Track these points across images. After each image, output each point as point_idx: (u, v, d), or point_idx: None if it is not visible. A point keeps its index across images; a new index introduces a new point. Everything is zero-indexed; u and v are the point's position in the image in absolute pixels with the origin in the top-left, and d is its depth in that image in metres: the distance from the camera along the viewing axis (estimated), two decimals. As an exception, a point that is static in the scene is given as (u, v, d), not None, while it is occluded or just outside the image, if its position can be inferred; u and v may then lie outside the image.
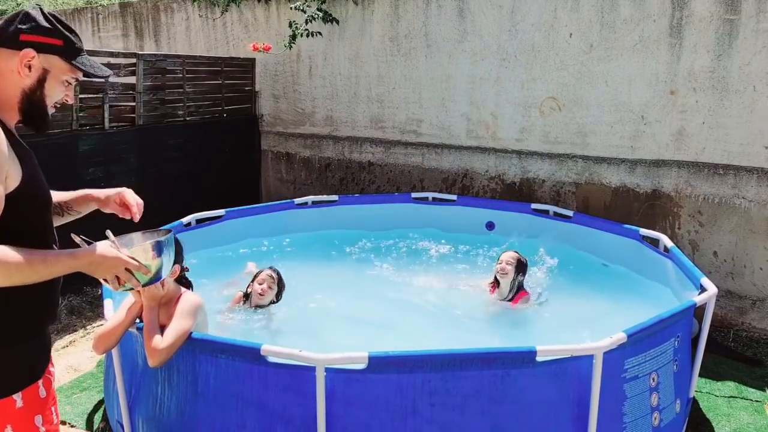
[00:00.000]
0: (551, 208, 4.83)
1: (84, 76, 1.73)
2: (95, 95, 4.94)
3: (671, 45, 4.41)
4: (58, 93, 1.70)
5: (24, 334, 1.61)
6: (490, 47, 5.22)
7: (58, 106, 1.73)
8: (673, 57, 4.42)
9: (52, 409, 1.68)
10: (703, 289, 3.06)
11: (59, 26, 1.65)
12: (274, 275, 3.70)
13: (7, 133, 1.56)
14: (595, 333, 3.01)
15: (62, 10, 9.13)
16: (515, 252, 3.91)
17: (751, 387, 3.54)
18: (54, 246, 1.71)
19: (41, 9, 1.66)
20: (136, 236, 2.00)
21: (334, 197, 5.28)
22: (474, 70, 5.34)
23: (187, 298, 2.56)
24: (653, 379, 2.63)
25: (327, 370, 2.26)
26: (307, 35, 5.76)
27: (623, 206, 4.80)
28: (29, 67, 1.61)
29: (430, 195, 5.36)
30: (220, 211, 4.72)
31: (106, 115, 5.01)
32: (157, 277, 1.86)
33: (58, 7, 9.88)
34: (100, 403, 3.27)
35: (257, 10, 6.57)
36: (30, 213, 1.60)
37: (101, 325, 4.08)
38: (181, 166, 5.76)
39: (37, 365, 1.65)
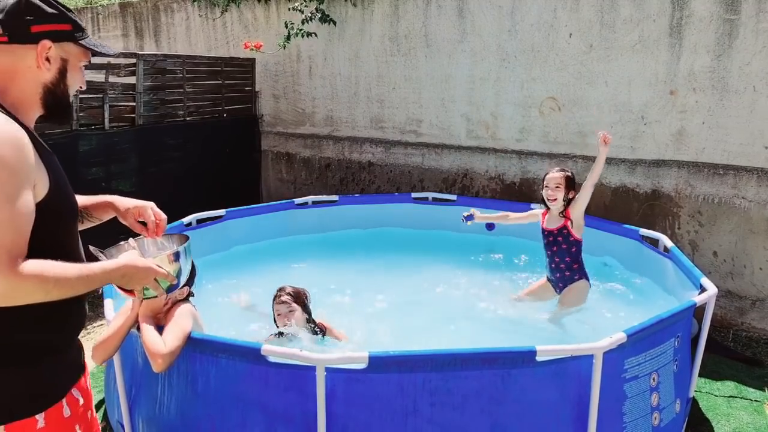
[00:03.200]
0: (551, 208, 4.83)
1: (92, 55, 1.63)
2: (95, 95, 4.94)
3: (671, 45, 4.42)
4: (77, 80, 1.61)
5: (43, 354, 1.53)
6: (489, 47, 5.22)
7: (76, 94, 1.67)
8: (673, 57, 4.42)
9: (76, 427, 1.59)
10: (703, 289, 3.06)
11: (62, 8, 1.53)
12: (285, 297, 3.20)
13: (30, 137, 1.45)
14: (595, 333, 3.01)
15: (62, 10, 9.13)
16: (560, 170, 3.72)
17: (751, 387, 3.54)
18: (83, 258, 1.63)
19: None
20: (149, 242, 2.00)
21: (334, 197, 5.29)
22: (474, 70, 5.34)
23: (182, 305, 2.59)
24: (653, 379, 2.64)
25: (327, 369, 2.26)
26: (303, 36, 5.77)
27: (623, 206, 4.80)
28: (48, 60, 1.50)
29: (430, 195, 5.36)
30: (221, 211, 4.72)
31: (106, 115, 5.01)
32: (177, 284, 1.87)
33: (58, 7, 9.87)
34: (101, 403, 3.27)
35: (257, 10, 6.58)
36: (58, 224, 1.52)
37: (102, 325, 4.09)
38: (181, 166, 5.76)
39: (60, 382, 1.57)
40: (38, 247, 1.41)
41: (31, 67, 1.48)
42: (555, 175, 3.71)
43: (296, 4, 5.81)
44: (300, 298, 3.23)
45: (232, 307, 3.85)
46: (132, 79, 5.29)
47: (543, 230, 3.80)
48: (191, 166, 5.85)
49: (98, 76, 5.07)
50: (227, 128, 6.34)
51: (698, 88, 4.36)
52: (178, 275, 1.86)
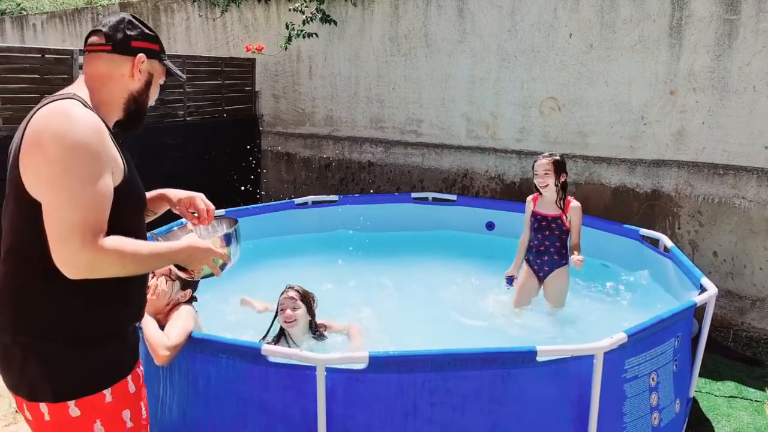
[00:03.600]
0: (551, 208, 4.83)
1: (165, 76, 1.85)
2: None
3: (671, 45, 4.42)
4: (155, 95, 1.82)
5: (111, 336, 1.68)
6: (489, 47, 5.22)
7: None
8: (673, 57, 4.42)
9: (141, 404, 1.75)
10: (703, 289, 3.06)
11: (154, 32, 1.78)
12: (292, 293, 3.16)
13: (109, 132, 1.62)
14: (596, 333, 3.01)
15: (62, 10, 9.13)
16: (548, 156, 3.67)
17: (751, 387, 3.54)
18: None
19: (134, 16, 1.76)
20: (201, 226, 2.14)
21: (334, 197, 5.28)
22: (474, 70, 5.34)
23: (183, 306, 2.60)
24: (653, 379, 2.63)
25: (327, 369, 2.26)
26: (304, 36, 5.77)
27: (623, 206, 4.80)
28: (139, 71, 1.71)
29: (430, 195, 5.36)
30: (220, 211, 4.70)
31: (106, 115, 5.01)
32: (231, 264, 1.99)
33: (58, 8, 9.88)
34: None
35: (257, 10, 6.58)
36: (128, 213, 1.66)
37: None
38: (181, 166, 5.76)
39: (125, 362, 1.71)
40: (111, 233, 1.55)
41: (124, 75, 1.69)
42: (543, 161, 3.66)
43: (297, 5, 5.81)
44: (307, 298, 3.21)
45: (232, 307, 3.85)
46: (132, 79, 5.28)
47: (535, 214, 3.74)
48: (191, 166, 5.84)
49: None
50: (227, 128, 6.34)
51: (698, 88, 4.36)
52: (231, 255, 1.98)
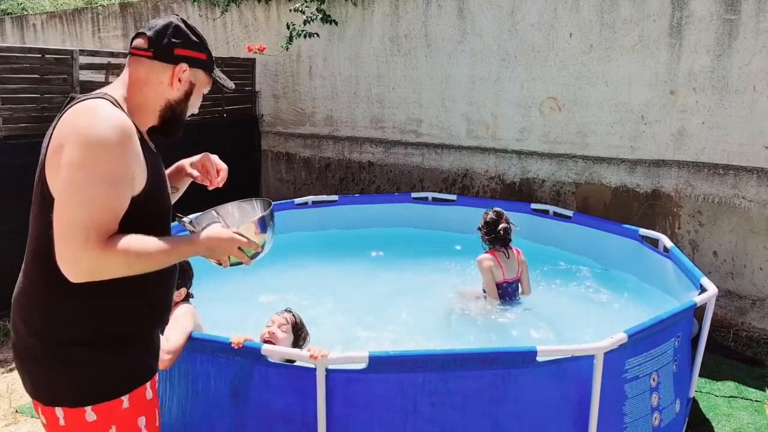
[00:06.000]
0: (551, 208, 4.83)
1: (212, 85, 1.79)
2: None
3: (671, 45, 4.42)
4: (196, 105, 1.77)
5: (134, 339, 1.64)
6: (490, 47, 5.22)
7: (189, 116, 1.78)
8: (673, 57, 4.42)
9: (156, 411, 1.71)
10: (703, 289, 3.06)
11: (203, 40, 1.71)
12: (289, 318, 2.79)
13: (138, 135, 1.57)
14: (596, 333, 3.01)
15: (62, 10, 9.13)
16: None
17: (751, 387, 3.54)
18: None
19: (184, 21, 1.69)
20: (232, 206, 2.03)
21: (334, 197, 5.28)
22: (474, 70, 5.34)
23: (182, 305, 2.59)
24: (653, 379, 2.63)
25: (327, 370, 2.26)
26: (305, 36, 5.77)
27: (623, 206, 4.80)
28: (179, 80, 1.66)
29: (430, 195, 5.36)
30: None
31: (106, 115, 5.00)
32: (264, 250, 1.85)
33: (58, 8, 9.88)
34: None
35: (257, 10, 6.58)
36: (148, 220, 1.59)
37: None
38: (181, 166, 5.75)
39: (147, 367, 1.68)
40: None
41: (162, 83, 1.65)
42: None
43: (297, 5, 5.80)
44: (299, 331, 2.82)
45: (232, 308, 3.85)
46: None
47: (504, 283, 3.81)
48: (191, 166, 5.83)
49: (98, 76, 5.07)
50: (227, 128, 6.34)
51: (698, 88, 4.36)
52: (265, 242, 1.84)
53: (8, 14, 10.33)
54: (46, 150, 1.51)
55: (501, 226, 3.83)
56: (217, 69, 1.80)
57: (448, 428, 2.32)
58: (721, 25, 4.21)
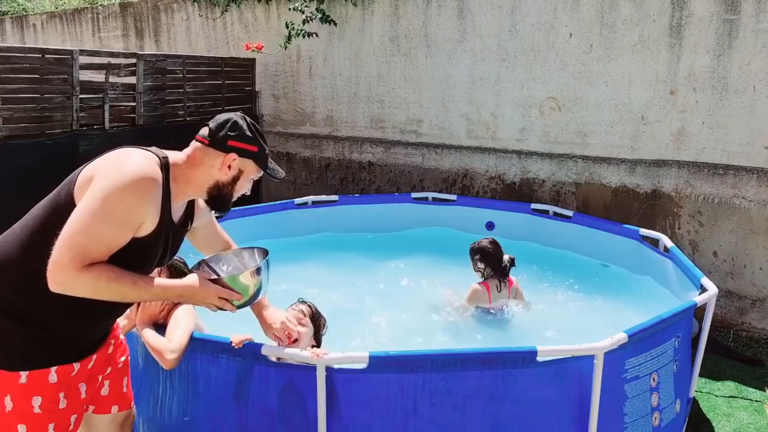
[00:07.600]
0: (551, 208, 4.84)
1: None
2: (95, 95, 4.94)
3: (671, 45, 4.42)
4: (244, 188, 1.97)
5: (47, 330, 1.79)
6: (490, 47, 5.22)
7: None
8: (673, 57, 4.42)
9: (61, 396, 1.83)
10: (703, 289, 3.06)
11: (257, 135, 1.92)
12: (306, 310, 2.62)
13: (165, 196, 1.79)
14: (596, 333, 3.01)
15: (62, 10, 9.13)
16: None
17: (751, 387, 3.55)
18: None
19: (245, 117, 1.92)
20: (232, 255, 2.19)
21: (334, 197, 5.28)
22: (474, 70, 5.34)
23: (180, 307, 2.58)
24: (653, 379, 2.63)
25: (328, 369, 2.26)
26: (304, 36, 5.77)
27: (623, 206, 4.80)
28: (229, 167, 1.87)
29: (430, 195, 5.36)
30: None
31: (107, 115, 5.01)
32: (253, 298, 2.01)
33: (59, 8, 9.88)
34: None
35: (257, 10, 6.58)
36: (131, 264, 1.76)
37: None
38: (181, 166, 5.75)
39: (55, 354, 1.81)
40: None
41: (213, 166, 1.87)
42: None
43: (297, 5, 5.80)
44: (317, 320, 2.68)
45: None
46: (132, 79, 5.29)
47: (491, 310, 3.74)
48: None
49: (98, 76, 5.07)
50: (227, 128, 6.33)
51: (698, 88, 4.36)
52: (258, 290, 2.00)
53: (6, 14, 10.32)
54: (82, 169, 1.75)
55: (506, 258, 3.70)
56: (271, 162, 1.99)
57: (448, 428, 2.32)
58: (721, 25, 4.21)
